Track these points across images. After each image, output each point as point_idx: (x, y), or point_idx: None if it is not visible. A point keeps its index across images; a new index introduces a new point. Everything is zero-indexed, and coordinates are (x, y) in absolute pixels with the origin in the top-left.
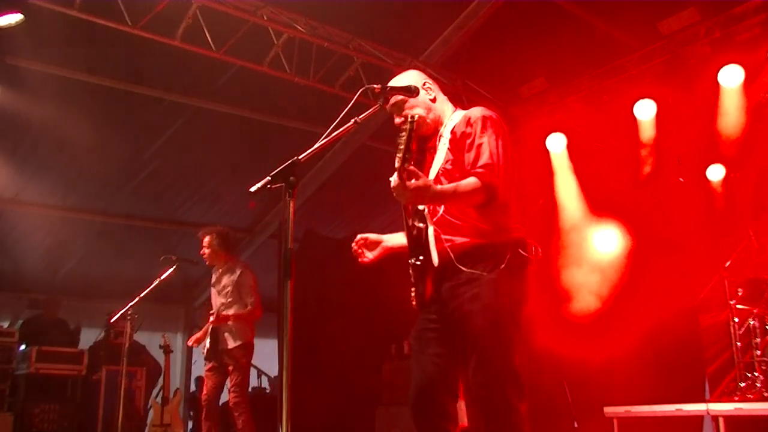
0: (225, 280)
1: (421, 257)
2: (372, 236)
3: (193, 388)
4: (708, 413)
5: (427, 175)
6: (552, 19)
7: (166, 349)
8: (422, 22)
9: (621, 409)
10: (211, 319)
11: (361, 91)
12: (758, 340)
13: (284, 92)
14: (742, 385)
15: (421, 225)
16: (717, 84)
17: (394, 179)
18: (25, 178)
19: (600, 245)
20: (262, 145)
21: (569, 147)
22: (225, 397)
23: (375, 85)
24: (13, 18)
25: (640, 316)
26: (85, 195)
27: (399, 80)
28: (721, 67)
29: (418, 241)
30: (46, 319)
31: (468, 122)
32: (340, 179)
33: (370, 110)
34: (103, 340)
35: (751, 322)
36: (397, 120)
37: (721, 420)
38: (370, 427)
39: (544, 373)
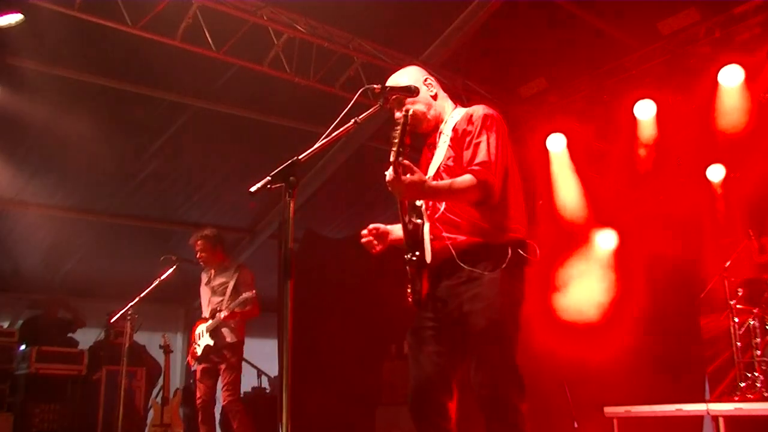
0: (221, 278)
1: (417, 253)
2: (382, 227)
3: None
4: (708, 413)
5: (427, 171)
6: (552, 19)
7: (166, 349)
8: (422, 22)
9: (621, 409)
10: (223, 315)
11: (361, 91)
12: (758, 340)
13: (284, 92)
14: (742, 385)
15: (417, 221)
16: (717, 84)
17: (389, 173)
18: (25, 178)
19: (600, 245)
20: (262, 145)
21: (569, 147)
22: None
23: (375, 85)
24: (13, 18)
25: (640, 316)
26: (85, 195)
27: (399, 76)
28: (721, 67)
29: (414, 237)
30: (46, 319)
31: (469, 120)
32: (340, 179)
33: (370, 110)
34: (103, 340)
35: (751, 322)
36: (398, 115)
37: (721, 420)
38: (370, 427)
39: (544, 373)
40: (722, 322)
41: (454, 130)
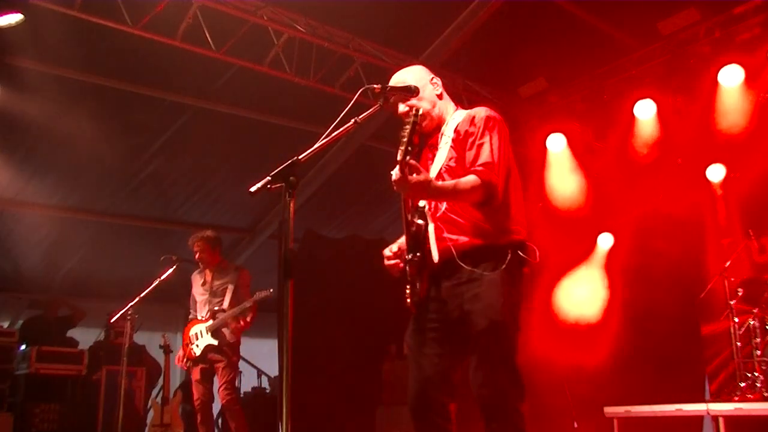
0: (219, 280)
1: (418, 253)
2: (399, 244)
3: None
4: (708, 413)
5: (428, 172)
6: (552, 19)
7: (166, 349)
8: (422, 22)
9: (621, 409)
10: (230, 327)
11: (361, 91)
12: (758, 340)
13: (284, 92)
14: (742, 385)
15: (420, 222)
16: (717, 84)
17: (395, 172)
18: (25, 178)
19: (600, 245)
20: (262, 145)
21: (569, 147)
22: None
23: (375, 85)
24: (13, 18)
25: (640, 316)
26: (85, 195)
27: (404, 75)
28: (721, 67)
29: (416, 238)
30: (46, 318)
31: (472, 121)
32: (340, 179)
33: (370, 110)
34: (103, 340)
35: (751, 323)
36: (402, 108)
37: (721, 420)
38: (370, 427)
39: (544, 374)
40: (722, 322)
41: (456, 131)
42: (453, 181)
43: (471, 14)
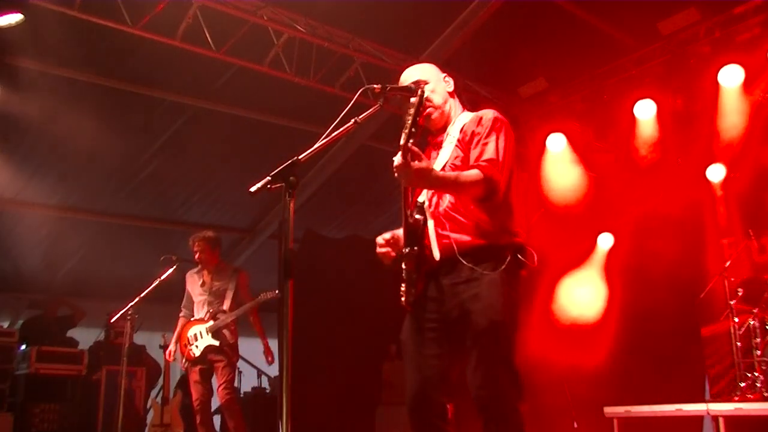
0: (219, 281)
1: (415, 247)
2: (394, 234)
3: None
4: (708, 413)
5: None
6: (552, 19)
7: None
8: (422, 22)
9: (621, 409)
10: (231, 316)
11: (361, 91)
12: (758, 340)
13: (284, 92)
14: (742, 385)
15: (418, 216)
16: (717, 84)
17: (397, 158)
18: (25, 178)
19: (599, 245)
20: (262, 145)
21: (569, 147)
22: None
23: (375, 85)
24: (13, 18)
25: (640, 316)
26: (85, 195)
27: (416, 71)
28: (721, 67)
29: (414, 232)
30: (46, 318)
31: (479, 122)
32: (340, 179)
33: (370, 110)
34: (103, 340)
35: (751, 323)
36: (412, 100)
37: (721, 420)
38: (370, 427)
39: (543, 374)
40: (722, 322)
41: (462, 131)
42: (455, 173)
43: (471, 14)
